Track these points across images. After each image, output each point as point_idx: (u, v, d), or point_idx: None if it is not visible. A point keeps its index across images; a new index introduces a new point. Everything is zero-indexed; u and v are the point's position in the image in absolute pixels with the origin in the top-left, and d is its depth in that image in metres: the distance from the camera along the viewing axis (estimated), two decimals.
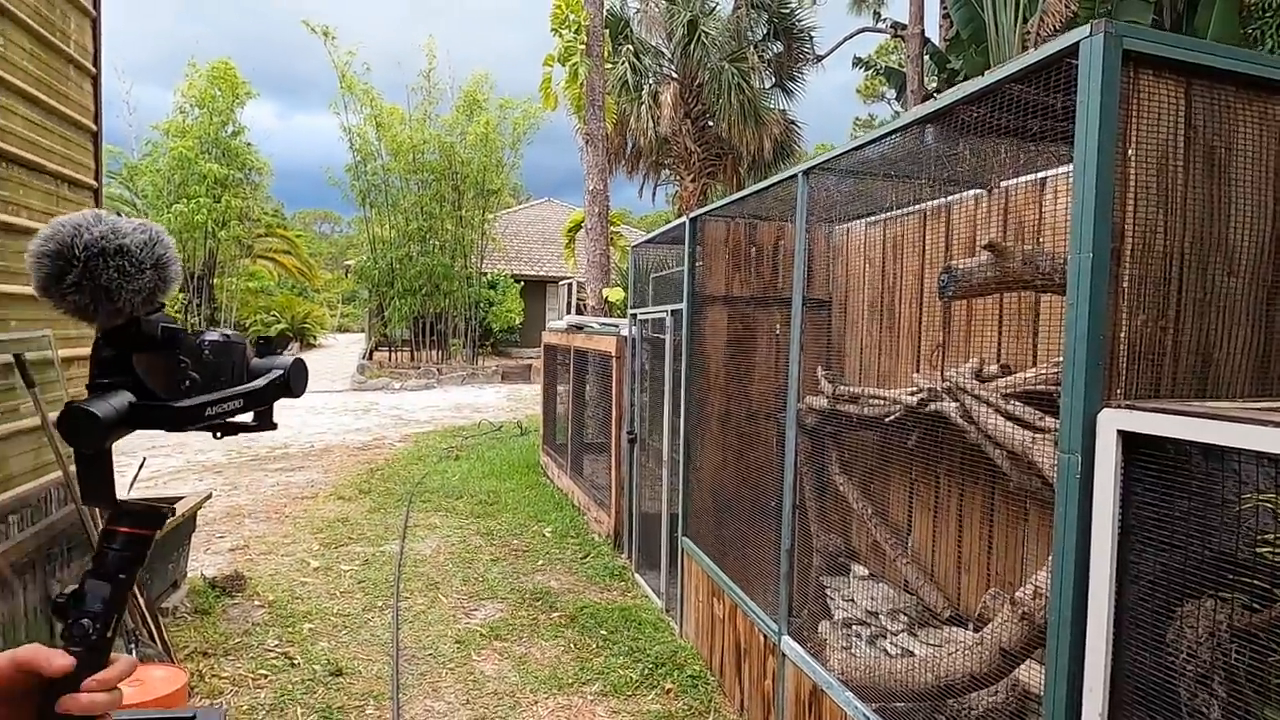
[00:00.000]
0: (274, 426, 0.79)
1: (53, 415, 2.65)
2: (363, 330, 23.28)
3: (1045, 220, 2.41)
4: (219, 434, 0.75)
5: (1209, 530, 1.32)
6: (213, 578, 4.04)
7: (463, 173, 17.59)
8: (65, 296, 0.59)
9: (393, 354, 18.90)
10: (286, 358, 0.78)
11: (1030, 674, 1.97)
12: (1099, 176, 1.41)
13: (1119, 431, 1.36)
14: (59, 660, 0.63)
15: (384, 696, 3.05)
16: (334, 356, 21.57)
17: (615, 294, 9.77)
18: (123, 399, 0.63)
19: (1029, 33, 9.26)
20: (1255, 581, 1.32)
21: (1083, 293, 1.43)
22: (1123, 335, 1.49)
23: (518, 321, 19.25)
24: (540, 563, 4.81)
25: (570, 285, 16.10)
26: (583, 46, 9.02)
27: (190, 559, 4.01)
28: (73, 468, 2.81)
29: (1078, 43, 1.45)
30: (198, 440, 9.05)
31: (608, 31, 10.75)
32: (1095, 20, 1.44)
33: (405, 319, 17.92)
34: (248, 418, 0.76)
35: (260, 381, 0.73)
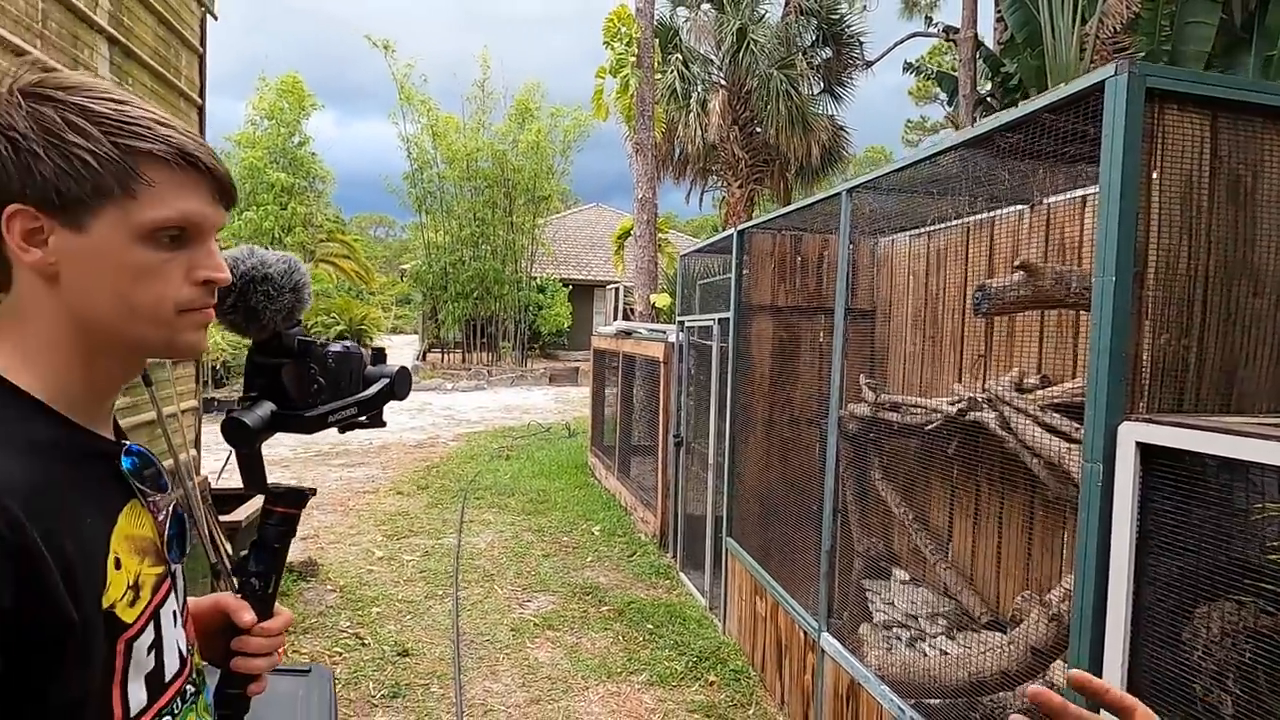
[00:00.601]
0: (383, 424, 0.97)
1: (168, 409, 2.96)
2: (415, 332, 24.03)
3: (1086, 236, 2.49)
4: (341, 430, 0.94)
5: (1222, 537, 1.41)
6: (289, 563, 4.36)
7: (514, 179, 18.06)
8: (225, 315, 0.78)
9: (445, 356, 19.48)
10: (393, 366, 0.96)
11: (1057, 675, 2.06)
12: (1121, 206, 1.52)
13: (1137, 443, 1.47)
14: (246, 615, 0.84)
15: (446, 676, 3.29)
16: (389, 358, 22.30)
17: (662, 299, 9.95)
18: (266, 409, 0.80)
19: (1088, 34, 9.07)
20: (1268, 587, 1.41)
21: (1105, 312, 1.54)
22: (1145, 352, 1.59)
23: (566, 325, 19.62)
24: (589, 559, 5.01)
25: (618, 290, 16.36)
26: (633, 59, 9.25)
27: None
28: (181, 455, 3.13)
29: (1103, 81, 1.56)
30: (274, 437, 9.57)
31: (657, 41, 10.95)
32: (1120, 60, 1.55)
33: (457, 322, 18.47)
34: (363, 418, 0.95)
35: (371, 391, 0.91)
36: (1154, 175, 1.58)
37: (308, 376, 0.81)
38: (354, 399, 0.86)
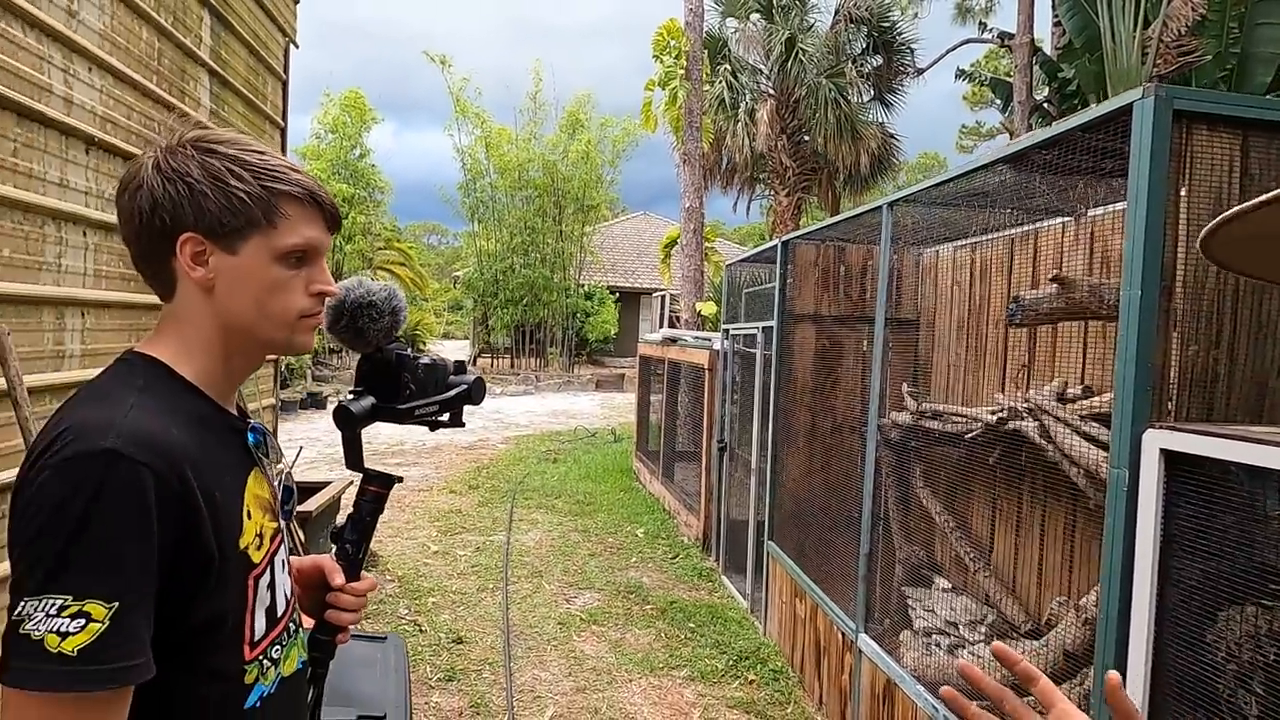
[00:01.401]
0: (462, 424, 1.14)
1: (251, 405, 3.23)
2: (466, 337, 24.65)
3: (1126, 245, 2.51)
4: (431, 428, 1.11)
5: (1246, 542, 1.46)
6: None
7: (564, 189, 18.44)
8: (338, 334, 0.97)
9: (494, 361, 19.96)
10: (470, 375, 1.13)
11: (1090, 679, 2.10)
12: (1148, 223, 1.59)
13: (1161, 450, 1.53)
14: (339, 578, 1.01)
15: (497, 664, 3.47)
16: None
17: (708, 308, 10.05)
18: (368, 401, 0.99)
19: (1150, 38, 8.82)
20: None
21: (1131, 325, 1.61)
22: (1174, 363, 1.65)
23: (612, 332, 19.87)
24: (633, 560, 5.15)
25: (664, 297, 16.50)
26: (681, 71, 9.41)
27: None
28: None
29: (1130, 104, 1.63)
30: (330, 436, 10.04)
31: (706, 52, 11.10)
32: (1148, 83, 1.62)
33: (507, 328, 18.92)
34: (444, 417, 1.11)
35: (451, 392, 1.08)
36: (1182, 192, 1.64)
37: (402, 382, 0.98)
38: (439, 398, 1.02)
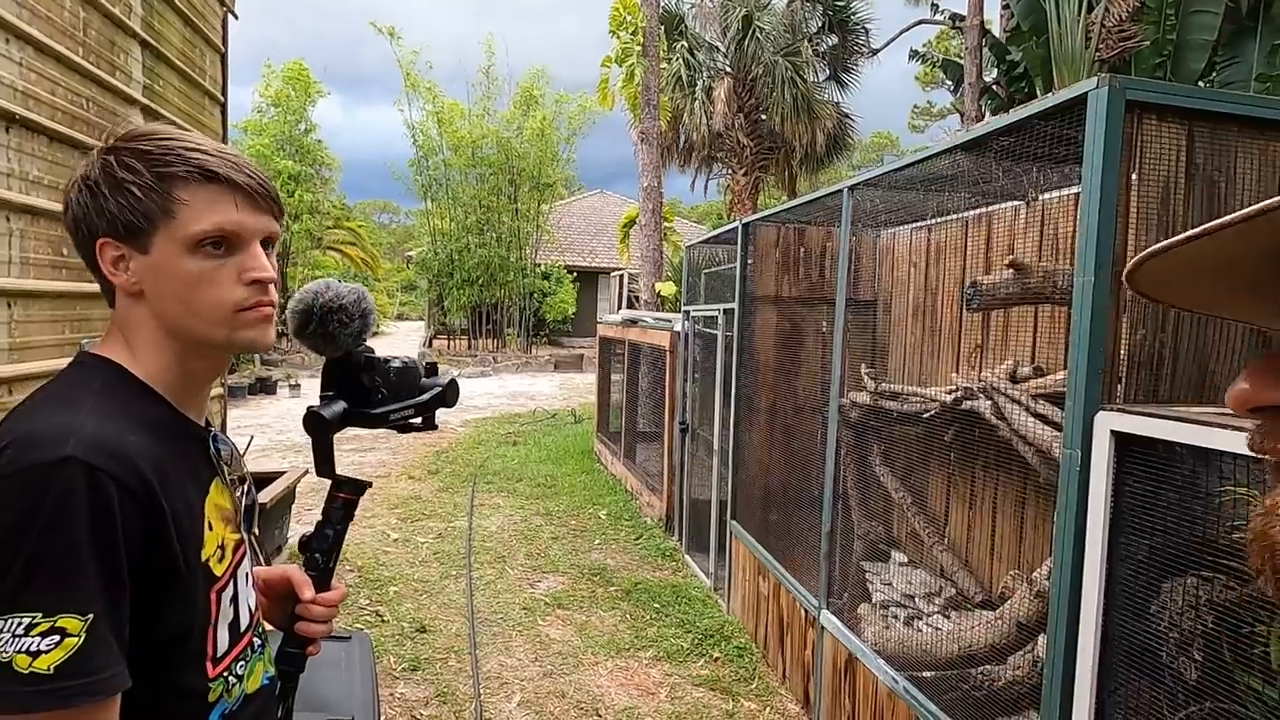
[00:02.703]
0: (435, 427, 1.11)
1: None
2: (421, 319, 24.18)
3: (1077, 232, 2.59)
4: (402, 431, 1.08)
5: (1189, 518, 1.54)
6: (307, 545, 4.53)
7: (519, 166, 18.11)
8: (306, 339, 0.93)
9: (451, 342, 19.65)
10: (445, 378, 1.11)
11: (1040, 647, 2.19)
12: (1100, 212, 1.63)
13: (1111, 431, 1.59)
14: (308, 591, 0.97)
15: (463, 651, 3.45)
16: (394, 344, 22.51)
17: (667, 288, 10.05)
18: (340, 405, 0.96)
19: (1093, 23, 9.05)
20: (1229, 564, 1.54)
21: (1084, 310, 1.66)
22: (1123, 347, 1.71)
23: (570, 312, 19.73)
24: (597, 542, 5.16)
25: (622, 277, 16.44)
26: (638, 48, 9.29)
27: (290, 527, 4.50)
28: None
29: (1086, 93, 1.66)
30: (281, 422, 9.77)
31: (663, 29, 10.97)
32: (1102, 75, 1.65)
33: (463, 308, 18.61)
34: (417, 420, 1.09)
35: (425, 396, 1.06)
36: (1133, 177, 1.69)
37: (373, 385, 0.95)
38: (411, 402, 0.99)
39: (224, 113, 3.36)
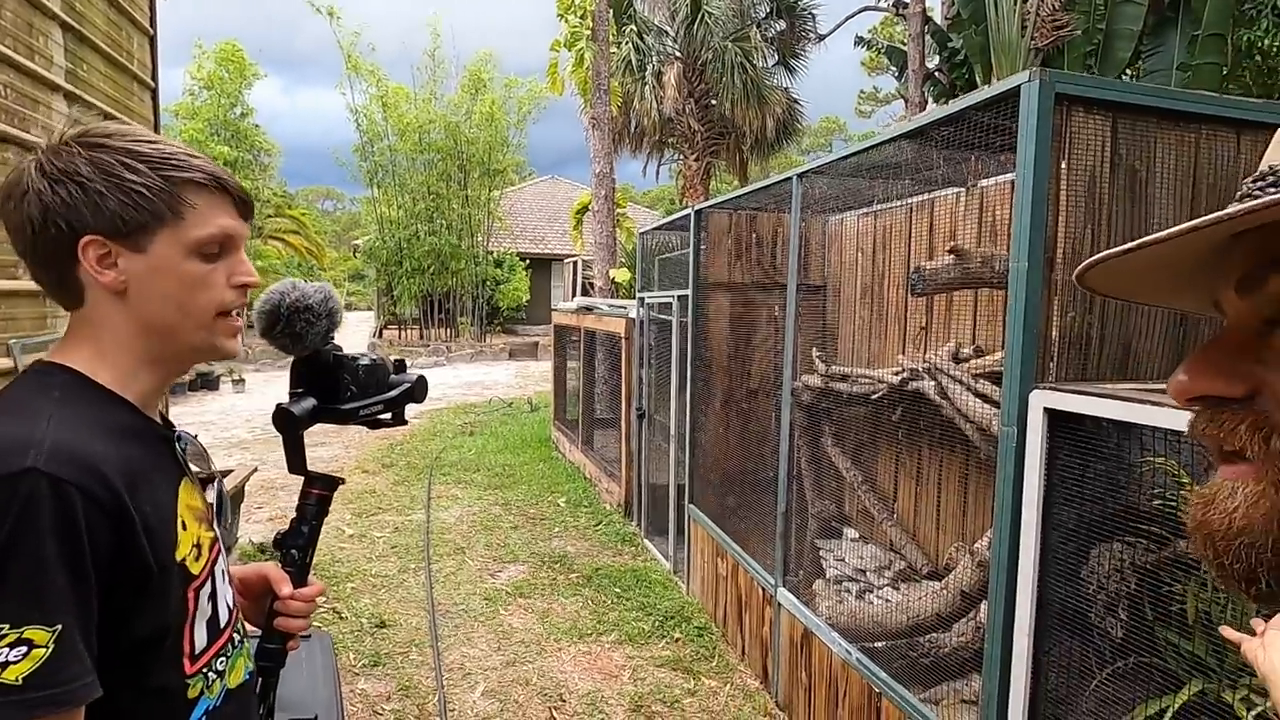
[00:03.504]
0: (404, 422, 1.12)
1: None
2: (370, 309, 23.59)
3: (1014, 219, 2.70)
4: (372, 427, 1.09)
5: (1115, 488, 1.65)
6: (259, 543, 4.42)
7: (468, 152, 17.76)
8: (274, 339, 0.94)
9: (402, 332, 19.25)
10: (413, 374, 1.11)
11: (982, 614, 2.31)
12: (1034, 200, 1.71)
13: (1045, 408, 1.68)
14: (286, 587, 0.98)
15: (424, 644, 3.43)
16: (344, 335, 21.85)
17: (622, 274, 10.04)
18: (309, 402, 0.97)
19: (1029, 13, 9.35)
20: (1151, 529, 1.65)
21: (1019, 294, 1.74)
22: (1055, 329, 1.80)
23: (524, 299, 19.54)
24: (556, 530, 5.18)
25: (576, 264, 16.35)
26: (588, 31, 9.20)
27: (240, 527, 4.38)
28: None
29: (1019, 86, 1.73)
30: (225, 419, 9.45)
31: (611, 12, 10.87)
32: (1034, 69, 1.73)
33: (413, 298, 18.24)
34: (386, 416, 1.09)
35: (394, 392, 1.07)
36: (1063, 166, 1.78)
37: (342, 383, 0.96)
38: (381, 397, 1.00)
39: (155, 98, 3.21)
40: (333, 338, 0.98)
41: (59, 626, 0.64)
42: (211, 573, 0.81)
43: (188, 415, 9.20)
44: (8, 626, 0.62)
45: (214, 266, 0.78)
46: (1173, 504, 1.62)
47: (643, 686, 3.12)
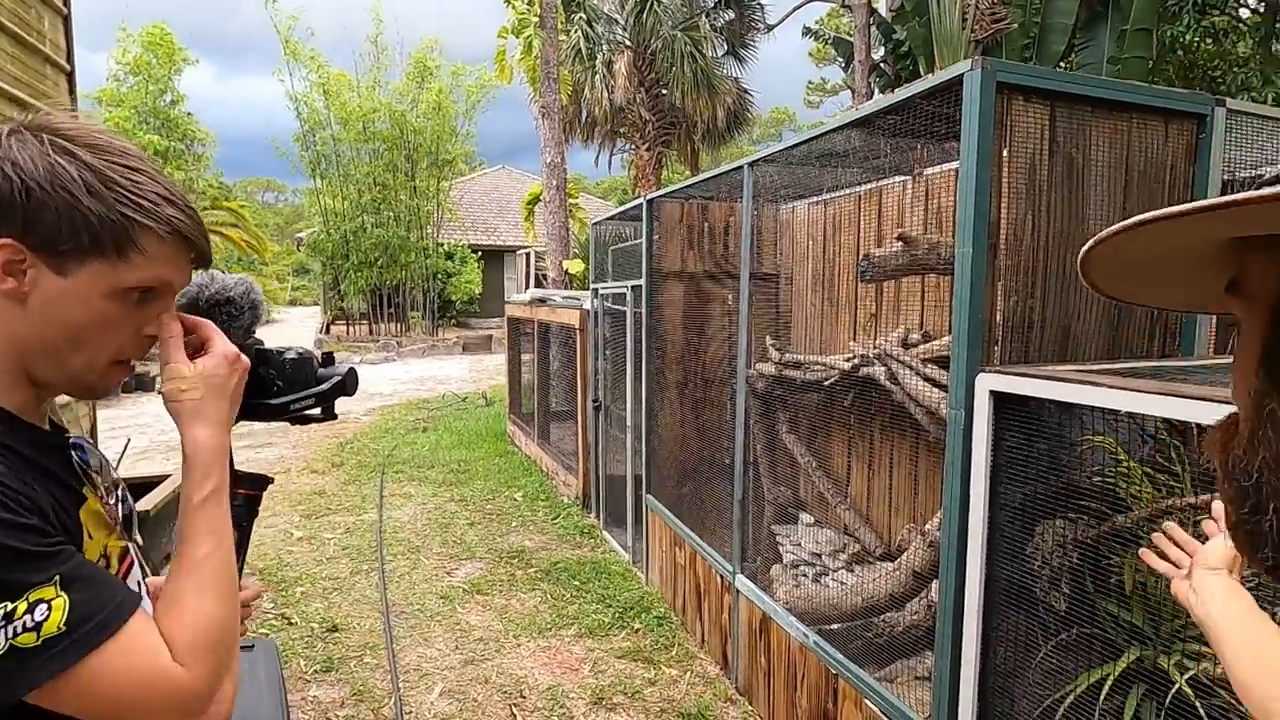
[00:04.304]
0: (335, 417, 1.08)
1: (60, 399, 2.80)
2: (316, 304, 22.88)
3: (959, 206, 2.76)
4: (302, 423, 1.05)
5: (1057, 466, 1.70)
6: None
7: (415, 142, 17.34)
8: None
9: (350, 327, 18.74)
10: (343, 367, 1.07)
11: (933, 593, 2.37)
12: (978, 187, 1.74)
13: (990, 391, 1.72)
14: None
15: (379, 647, 3.35)
16: (289, 331, 21.24)
17: (575, 266, 9.96)
18: None
19: (969, 6, 9.58)
20: (1091, 504, 1.71)
21: (964, 279, 1.78)
22: (999, 313, 1.84)
23: (477, 292, 19.24)
24: (514, 524, 5.12)
25: (529, 255, 16.16)
26: (536, 19, 9.04)
27: None
28: None
29: (962, 75, 1.76)
30: (161, 421, 9.04)
31: (559, 0, 10.71)
32: (976, 58, 1.75)
33: (362, 292, 17.75)
34: (316, 411, 1.05)
35: (325, 385, 1.03)
36: (1004, 154, 1.82)
37: (268, 379, 0.91)
38: (310, 391, 0.96)
39: (71, 82, 3.01)
40: (255, 331, 0.94)
41: (55, 575, 0.63)
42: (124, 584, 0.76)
43: (122, 419, 8.78)
44: (9, 603, 0.61)
45: (131, 312, 0.72)
46: (1110, 480, 1.68)
47: (603, 679, 3.11)
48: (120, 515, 0.82)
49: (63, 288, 0.69)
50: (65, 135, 0.68)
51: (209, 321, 0.83)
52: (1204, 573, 0.88)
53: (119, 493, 0.85)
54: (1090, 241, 0.38)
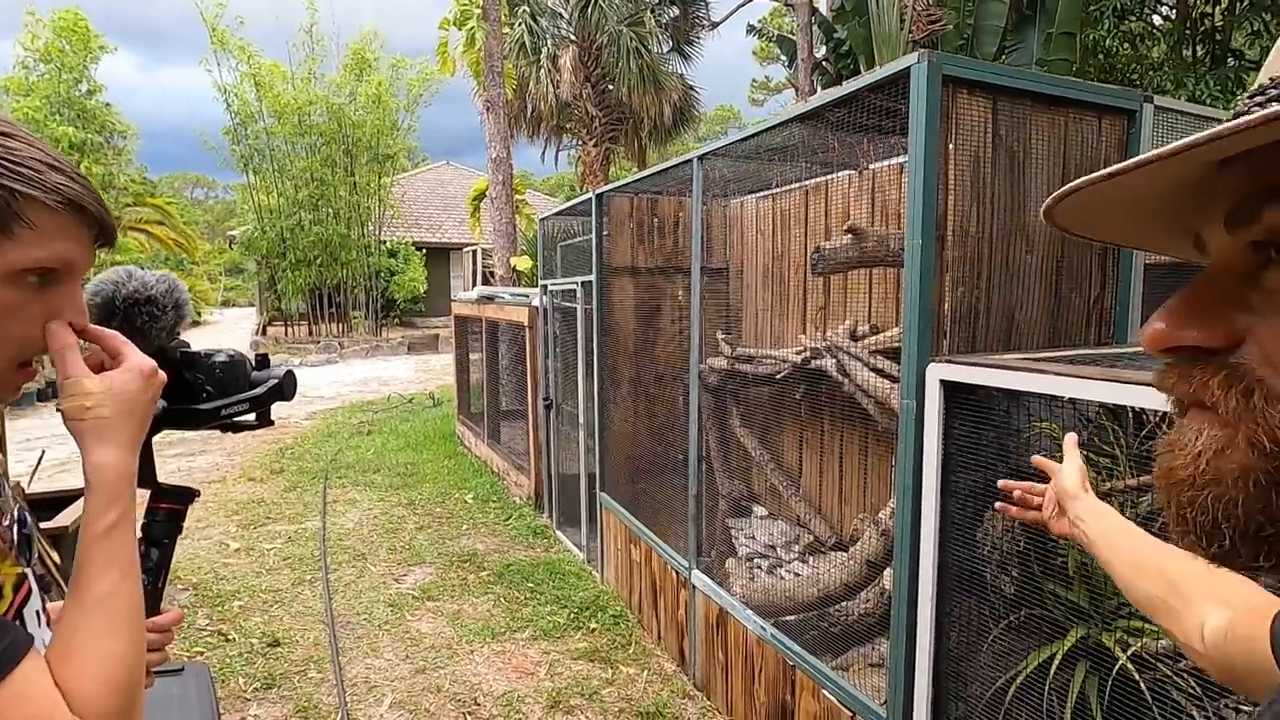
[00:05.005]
0: (271, 423, 1.01)
1: None
2: (252, 304, 21.97)
3: (904, 199, 2.81)
4: (233, 430, 0.97)
5: (1004, 452, 1.73)
6: None
7: (355, 136, 16.79)
8: None
9: (289, 329, 18.06)
10: (280, 369, 1.00)
11: (887, 581, 2.40)
12: (925, 178, 1.76)
13: (941, 380, 1.75)
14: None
15: (324, 660, 3.21)
16: (223, 334, 20.33)
17: (523, 262, 9.82)
18: (158, 405, 0.84)
19: (906, 6, 9.83)
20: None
21: (914, 271, 1.79)
22: (947, 304, 1.87)
23: (422, 290, 18.80)
24: (465, 527, 5.01)
25: (475, 253, 15.88)
26: (478, 10, 8.86)
27: None
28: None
29: (909, 68, 1.78)
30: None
31: None
32: (922, 50, 1.77)
33: (300, 291, 17.12)
34: (250, 417, 0.98)
35: (260, 389, 0.95)
36: (950, 147, 1.84)
37: (196, 384, 0.84)
38: (243, 395, 0.89)
39: None
40: (180, 333, 0.86)
41: None
42: (18, 617, 0.68)
43: (38, 429, 8.22)
44: None
45: (33, 298, 0.63)
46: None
47: (560, 681, 3.06)
48: (15, 538, 0.73)
49: None
50: None
51: (116, 332, 0.74)
52: (1076, 504, 0.91)
53: (15, 513, 0.76)
54: (1061, 190, 0.36)
